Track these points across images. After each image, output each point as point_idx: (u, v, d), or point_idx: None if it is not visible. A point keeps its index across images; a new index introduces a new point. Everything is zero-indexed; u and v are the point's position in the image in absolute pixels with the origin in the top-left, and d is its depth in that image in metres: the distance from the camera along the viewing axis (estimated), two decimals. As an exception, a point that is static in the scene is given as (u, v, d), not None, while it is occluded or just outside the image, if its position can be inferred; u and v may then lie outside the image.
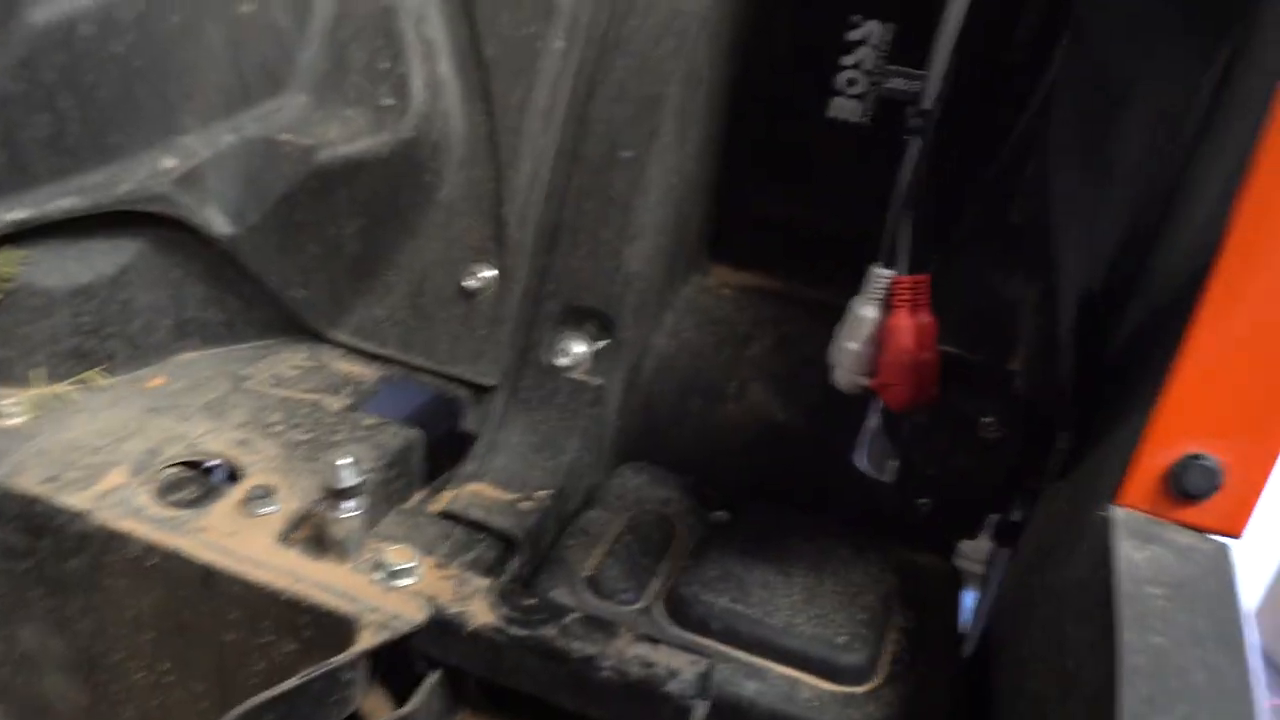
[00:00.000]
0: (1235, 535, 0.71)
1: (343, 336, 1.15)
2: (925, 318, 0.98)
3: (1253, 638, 0.64)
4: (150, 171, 1.00)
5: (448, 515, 0.98)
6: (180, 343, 1.11)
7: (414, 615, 0.80)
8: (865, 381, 1.01)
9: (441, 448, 1.06)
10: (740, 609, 0.91)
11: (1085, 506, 0.77)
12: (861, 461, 1.10)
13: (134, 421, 0.98)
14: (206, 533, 0.85)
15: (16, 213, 0.94)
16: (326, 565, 0.83)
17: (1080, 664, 0.68)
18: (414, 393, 1.16)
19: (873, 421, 1.09)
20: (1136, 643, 0.62)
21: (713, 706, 0.79)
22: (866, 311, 0.99)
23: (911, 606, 0.97)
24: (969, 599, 1.15)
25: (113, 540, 0.84)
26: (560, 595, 0.94)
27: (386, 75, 1.07)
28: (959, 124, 1.00)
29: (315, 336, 1.15)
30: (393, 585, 0.83)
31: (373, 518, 0.92)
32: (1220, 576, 0.69)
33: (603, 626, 0.81)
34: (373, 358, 1.14)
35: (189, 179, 1.02)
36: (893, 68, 1.16)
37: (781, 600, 0.93)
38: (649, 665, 0.77)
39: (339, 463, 0.82)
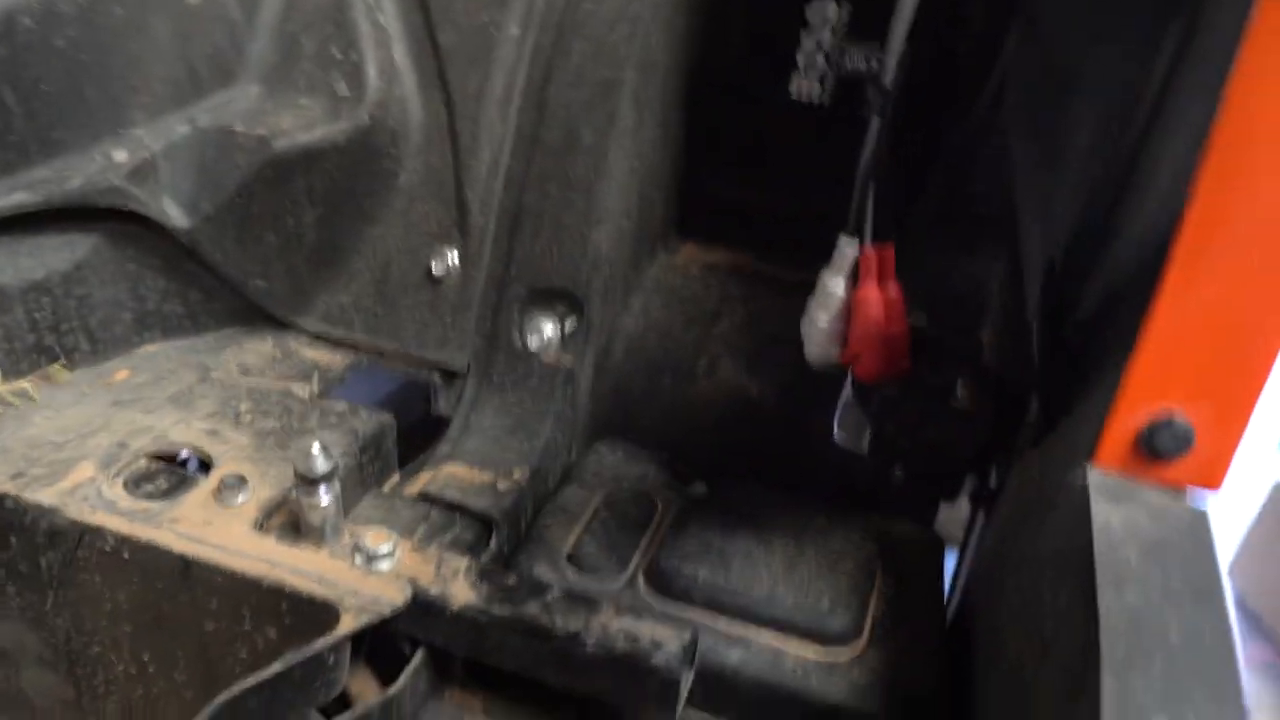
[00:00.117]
0: (1210, 492, 0.73)
1: (308, 324, 1.14)
2: (893, 290, 0.99)
3: (1228, 593, 0.66)
4: (101, 165, 0.99)
5: (425, 497, 0.97)
6: (142, 335, 1.10)
7: (395, 597, 0.79)
8: (836, 355, 1.02)
9: (415, 432, 1.05)
10: (722, 579, 0.92)
11: (1060, 471, 0.78)
12: (837, 434, 1.11)
13: (99, 416, 0.96)
14: (180, 524, 0.83)
15: (-37, 209, 0.92)
16: (304, 551, 0.83)
17: (1058, 626, 0.69)
18: (384, 378, 1.15)
19: (846, 394, 1.10)
20: (1114, 603, 0.63)
21: (698, 676, 0.80)
22: (836, 285, 1.00)
23: (893, 572, 0.99)
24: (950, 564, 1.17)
25: (86, 535, 0.82)
26: (541, 573, 0.94)
27: (340, 64, 1.07)
28: (919, 100, 1.01)
29: (280, 325, 1.14)
30: (372, 568, 0.82)
31: (349, 502, 0.92)
32: (1195, 534, 0.70)
33: (585, 602, 0.81)
34: (340, 344, 1.13)
35: (141, 171, 1.01)
36: (851, 47, 1.16)
37: (763, 569, 0.94)
38: (633, 638, 0.77)
39: (311, 449, 0.81)
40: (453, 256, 1.09)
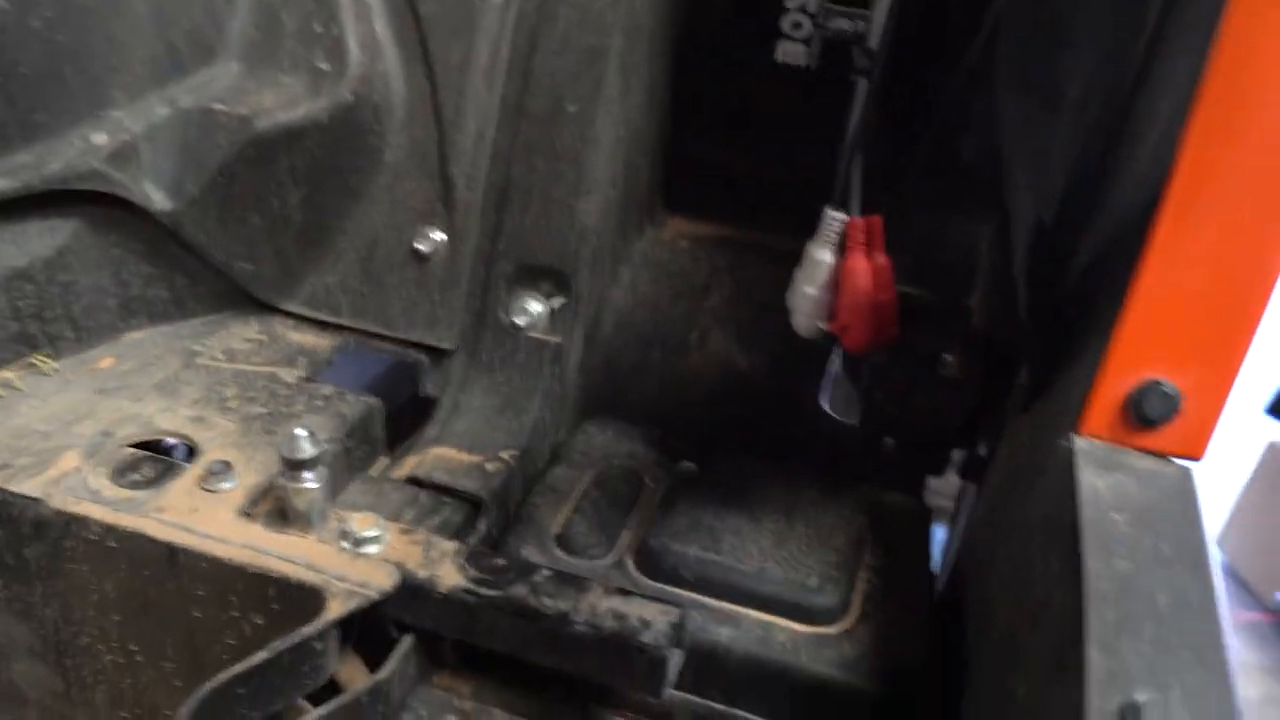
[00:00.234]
0: (1196, 458, 0.72)
1: (294, 307, 1.13)
2: (881, 259, 0.97)
3: (1215, 558, 0.66)
4: (81, 149, 0.98)
5: (413, 481, 0.97)
6: (127, 322, 1.09)
7: (382, 582, 0.79)
8: (824, 325, 1.01)
9: (403, 414, 1.05)
10: (711, 557, 0.92)
11: (1048, 438, 0.78)
12: (827, 404, 1.10)
13: (84, 404, 0.96)
14: (166, 512, 0.83)
15: (-59, 197, 0.92)
16: (291, 537, 0.82)
17: (1048, 593, 0.68)
18: (371, 360, 1.14)
19: (836, 364, 1.09)
20: (1102, 569, 0.63)
21: (688, 654, 0.80)
22: (823, 255, 0.98)
23: (882, 545, 0.98)
24: (940, 535, 1.16)
25: (71, 525, 0.82)
26: (530, 554, 0.93)
27: (321, 38, 1.05)
28: (906, 62, 1.00)
29: (266, 308, 1.13)
30: (360, 553, 0.82)
31: (336, 487, 0.92)
32: (1182, 500, 0.70)
33: (574, 582, 0.81)
34: (326, 327, 1.12)
35: (122, 154, 1.00)
36: (836, 8, 1.15)
37: (752, 546, 0.93)
38: (622, 618, 0.77)
39: (296, 433, 0.81)
40: (439, 234, 1.08)
